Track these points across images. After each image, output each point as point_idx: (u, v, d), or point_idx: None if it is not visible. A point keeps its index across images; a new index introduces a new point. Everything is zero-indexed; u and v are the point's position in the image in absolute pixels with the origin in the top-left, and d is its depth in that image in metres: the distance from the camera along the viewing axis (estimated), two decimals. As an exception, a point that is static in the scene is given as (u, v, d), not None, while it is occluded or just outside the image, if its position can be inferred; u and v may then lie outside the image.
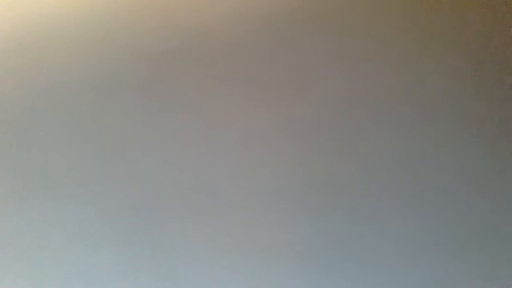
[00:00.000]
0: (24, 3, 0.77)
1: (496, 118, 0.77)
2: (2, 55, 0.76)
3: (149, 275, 0.72)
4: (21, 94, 0.75)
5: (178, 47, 0.77)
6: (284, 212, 0.74)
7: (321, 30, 0.78)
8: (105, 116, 0.75)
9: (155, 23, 0.77)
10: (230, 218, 0.74)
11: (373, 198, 0.75)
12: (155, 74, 0.76)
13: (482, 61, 0.78)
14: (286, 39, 0.78)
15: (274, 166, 0.75)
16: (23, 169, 0.73)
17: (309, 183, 0.75)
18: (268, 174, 0.75)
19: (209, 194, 0.74)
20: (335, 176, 0.75)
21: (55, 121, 0.75)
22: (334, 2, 0.79)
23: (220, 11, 0.78)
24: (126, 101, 0.75)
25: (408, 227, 0.74)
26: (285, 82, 0.77)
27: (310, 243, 0.73)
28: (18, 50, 0.76)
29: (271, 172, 0.75)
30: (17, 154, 0.74)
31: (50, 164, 0.73)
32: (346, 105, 0.77)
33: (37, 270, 0.71)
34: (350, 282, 0.73)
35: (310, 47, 0.78)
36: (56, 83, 0.76)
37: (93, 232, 0.72)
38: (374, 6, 0.79)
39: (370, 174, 0.75)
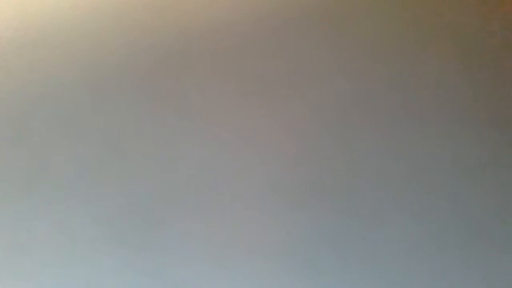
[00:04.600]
0: (23, 3, 0.77)
1: (496, 118, 0.77)
2: (1, 55, 0.76)
3: (148, 275, 0.72)
4: (20, 94, 0.75)
5: (178, 47, 0.77)
6: (283, 212, 0.74)
7: (321, 31, 0.78)
8: (104, 116, 0.75)
9: (155, 23, 0.78)
10: (230, 218, 0.74)
11: (372, 197, 0.75)
12: (155, 74, 0.76)
13: (482, 61, 0.78)
14: (286, 39, 0.78)
15: (273, 166, 0.75)
16: (23, 169, 0.73)
17: (309, 183, 0.75)
18: (267, 173, 0.75)
19: (209, 193, 0.74)
20: (335, 176, 0.75)
21: (55, 121, 0.75)
22: (334, 2, 0.79)
23: (220, 11, 0.78)
24: (125, 101, 0.75)
25: (407, 227, 0.74)
26: (284, 82, 0.77)
27: (310, 243, 0.74)
28: (17, 50, 0.76)
29: (271, 172, 0.75)
30: (17, 154, 0.73)
31: (50, 164, 0.73)
32: (346, 104, 0.77)
33: (36, 269, 0.71)
34: (349, 282, 0.73)
35: (309, 48, 0.78)
36: (55, 83, 0.76)
37: (93, 232, 0.72)
38: (374, 7, 0.79)
39: (369, 174, 0.75)
